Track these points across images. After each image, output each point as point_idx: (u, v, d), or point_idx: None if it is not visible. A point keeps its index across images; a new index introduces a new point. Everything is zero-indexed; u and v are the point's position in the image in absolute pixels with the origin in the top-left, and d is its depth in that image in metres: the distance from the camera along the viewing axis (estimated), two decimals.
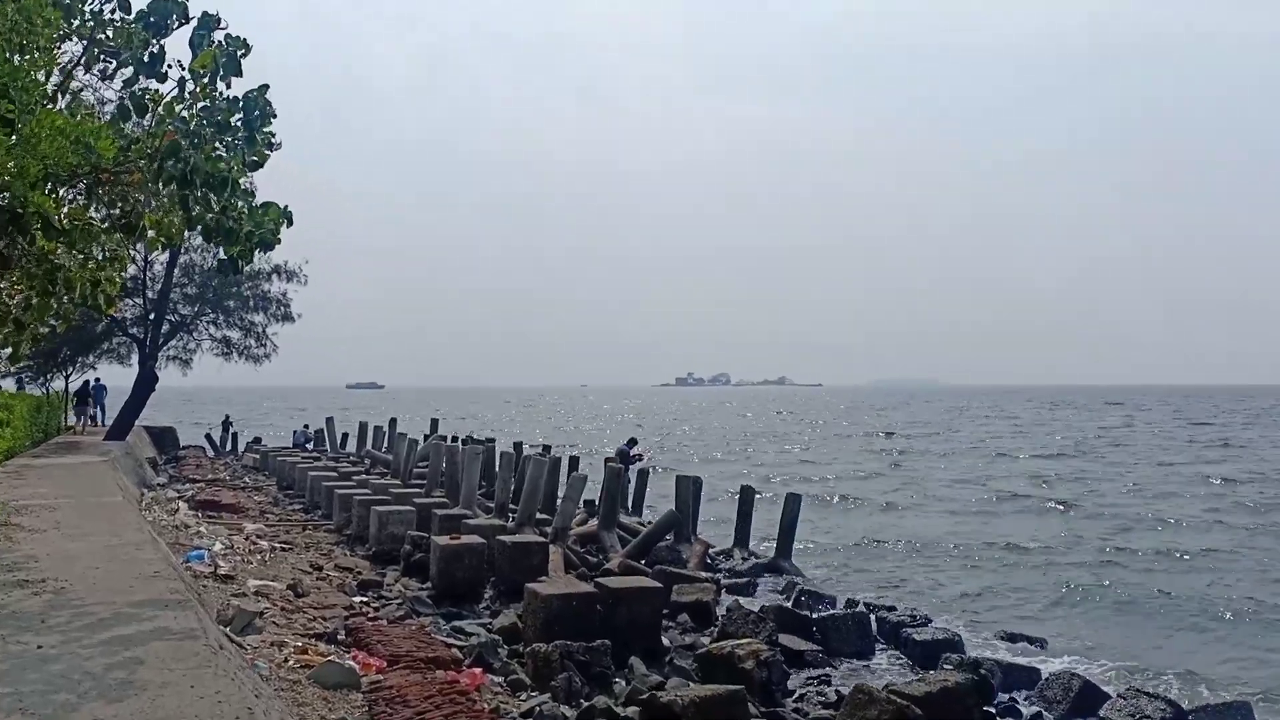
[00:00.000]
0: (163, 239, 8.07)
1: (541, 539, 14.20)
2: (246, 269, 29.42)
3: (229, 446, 41.23)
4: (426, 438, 31.23)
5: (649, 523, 21.72)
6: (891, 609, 13.86)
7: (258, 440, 40.63)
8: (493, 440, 32.49)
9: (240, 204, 7.09)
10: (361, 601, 12.71)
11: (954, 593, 17.67)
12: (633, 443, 24.34)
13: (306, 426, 41.37)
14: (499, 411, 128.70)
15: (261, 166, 7.77)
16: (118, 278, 9.46)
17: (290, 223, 7.63)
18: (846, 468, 46.86)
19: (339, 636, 10.17)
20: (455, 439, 31.76)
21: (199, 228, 7.26)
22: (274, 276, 31.25)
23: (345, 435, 39.17)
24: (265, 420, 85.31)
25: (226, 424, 42.85)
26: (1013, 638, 13.18)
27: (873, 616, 12.93)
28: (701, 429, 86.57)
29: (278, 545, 15.95)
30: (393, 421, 37.61)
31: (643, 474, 23.60)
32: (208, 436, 42.55)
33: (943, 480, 39.92)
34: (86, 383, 32.89)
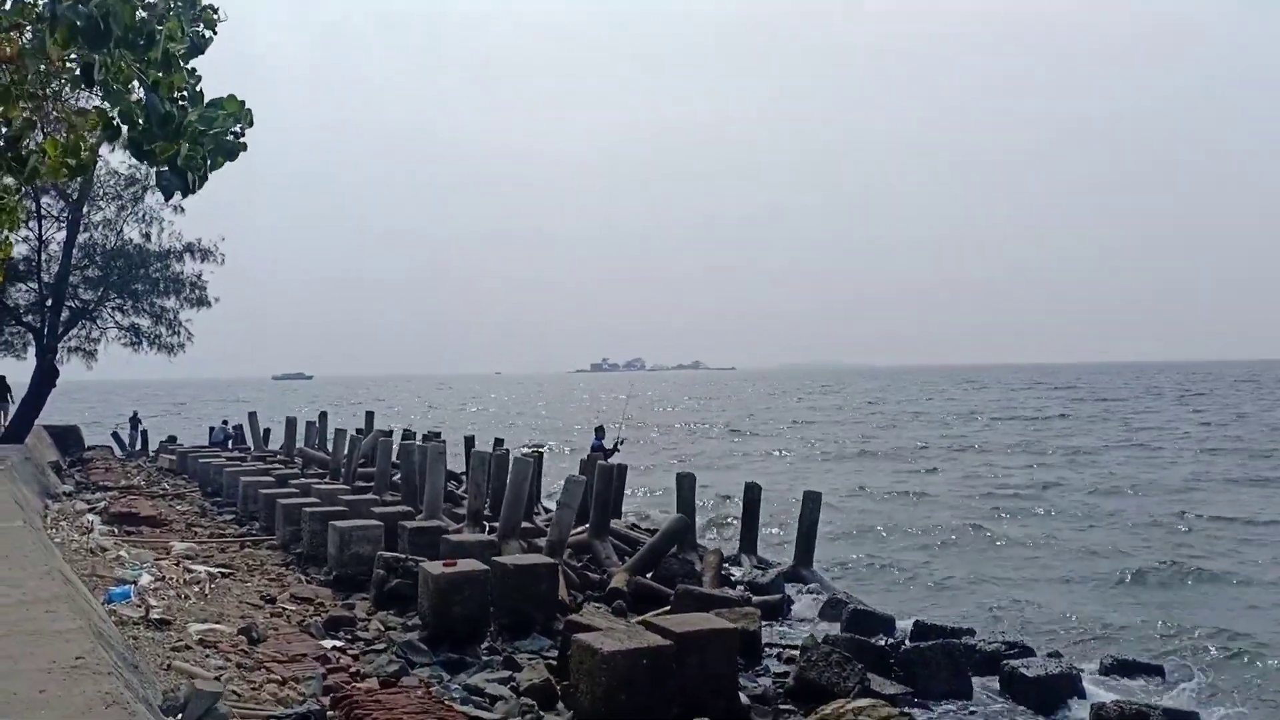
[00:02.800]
0: (68, 163, 5.46)
1: (549, 560, 11.83)
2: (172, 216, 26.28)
3: (138, 446, 37.62)
4: (359, 432, 28.38)
5: (635, 526, 19.50)
6: (969, 631, 11.82)
7: (172, 439, 37.09)
8: (438, 433, 29.87)
9: (180, 80, 4.53)
10: (335, 648, 10.21)
11: (992, 599, 15.79)
12: (601, 432, 21.82)
13: (225, 422, 37.93)
14: (429, 401, 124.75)
15: (203, 51, 5.08)
16: (13, 227, 6.82)
17: (251, 122, 5.03)
18: (801, 453, 45.25)
19: (326, 714, 7.70)
20: (389, 433, 29.09)
21: (124, 130, 4.68)
22: (186, 256, 27.91)
23: (267, 431, 36.00)
24: (178, 415, 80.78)
25: (135, 421, 39.12)
26: (1125, 667, 11.17)
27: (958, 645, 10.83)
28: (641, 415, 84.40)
29: (216, 571, 13.28)
30: (323, 415, 34.63)
31: (620, 469, 21.25)
32: (115, 435, 38.85)
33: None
34: (2, 377, 29.48)
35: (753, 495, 16.95)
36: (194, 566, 13.40)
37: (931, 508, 26.86)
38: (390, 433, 30.26)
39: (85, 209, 25.42)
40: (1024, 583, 17.11)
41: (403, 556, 12.47)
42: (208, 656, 9.19)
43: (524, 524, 15.73)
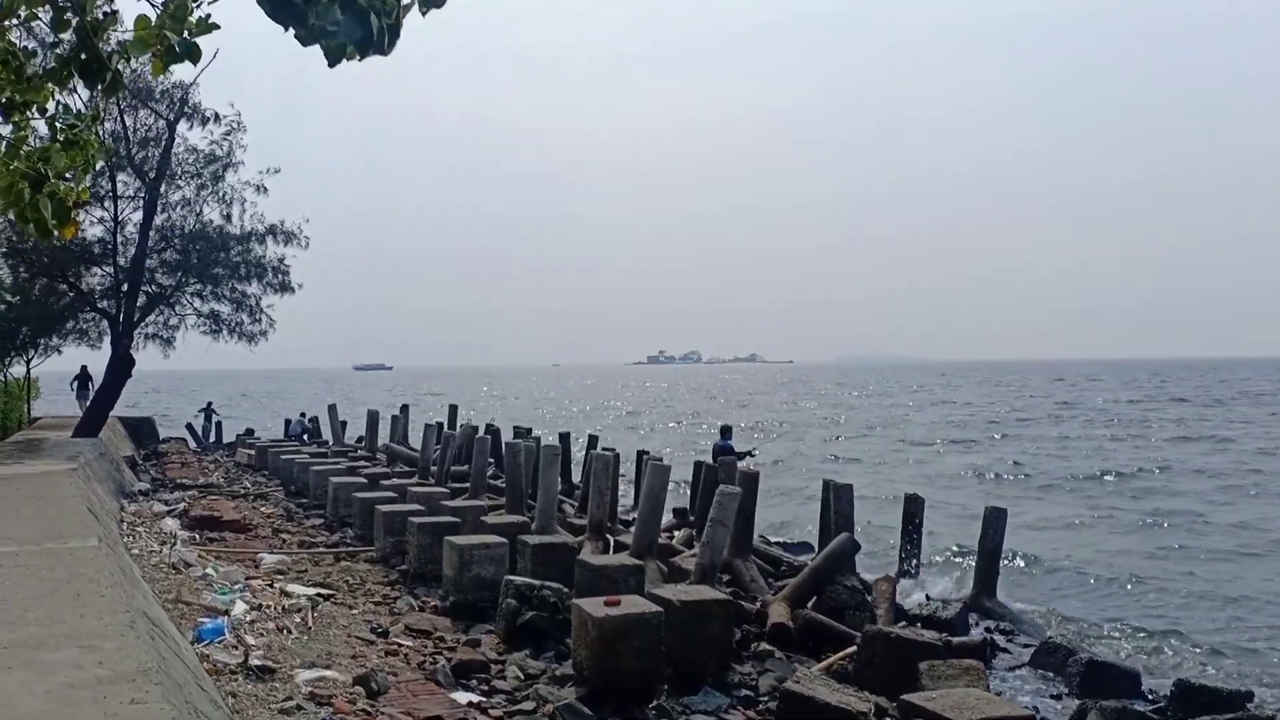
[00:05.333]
0: (168, 38, 3.53)
1: (720, 595, 9.77)
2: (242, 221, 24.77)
3: (213, 438, 36.39)
4: (441, 427, 26.52)
5: (766, 539, 17.40)
6: (1248, 695, 9.48)
7: (250, 432, 35.77)
8: (530, 430, 28.05)
9: None
10: (472, 704, 8.26)
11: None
12: (728, 432, 19.45)
13: (303, 415, 36.49)
14: (501, 394, 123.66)
15: None
16: (88, 167, 4.90)
17: None
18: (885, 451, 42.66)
19: None
20: (474, 428, 27.28)
21: None
22: (269, 238, 26.16)
23: (344, 423, 34.45)
24: (252, 406, 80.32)
25: (209, 412, 37.89)
26: None
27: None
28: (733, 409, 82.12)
29: (317, 594, 11.43)
30: (404, 408, 33.08)
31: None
32: (189, 427, 37.69)
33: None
34: (84, 367, 28.72)
35: (914, 509, 14.72)
36: (291, 588, 11.59)
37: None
38: (476, 429, 28.51)
39: (163, 188, 23.91)
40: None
41: (536, 584, 10.50)
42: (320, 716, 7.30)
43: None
